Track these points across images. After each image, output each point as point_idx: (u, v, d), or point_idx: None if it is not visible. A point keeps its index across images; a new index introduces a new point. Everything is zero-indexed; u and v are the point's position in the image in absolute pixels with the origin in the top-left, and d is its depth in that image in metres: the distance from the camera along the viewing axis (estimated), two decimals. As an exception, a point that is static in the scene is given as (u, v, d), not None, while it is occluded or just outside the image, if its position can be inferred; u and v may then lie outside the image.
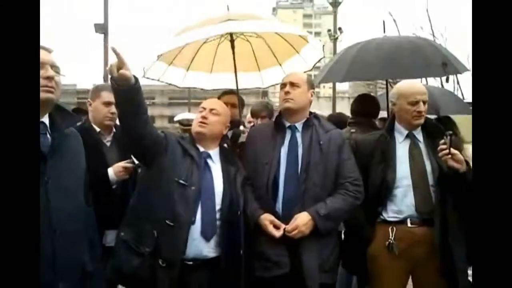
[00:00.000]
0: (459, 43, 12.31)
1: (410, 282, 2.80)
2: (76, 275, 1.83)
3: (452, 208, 2.62)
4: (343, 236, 3.10)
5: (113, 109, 2.84)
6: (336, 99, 19.63)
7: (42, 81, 1.74)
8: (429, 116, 2.95)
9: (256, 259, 2.49)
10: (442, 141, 2.52)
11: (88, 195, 2.00)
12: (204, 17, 3.32)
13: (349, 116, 4.00)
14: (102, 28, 13.19)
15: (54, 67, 1.81)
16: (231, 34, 3.24)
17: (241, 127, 3.11)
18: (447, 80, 7.70)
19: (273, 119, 2.91)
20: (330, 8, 21.24)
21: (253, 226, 2.49)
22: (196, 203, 2.34)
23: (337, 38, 19.98)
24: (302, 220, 2.44)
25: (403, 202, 2.66)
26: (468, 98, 9.61)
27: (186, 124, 5.37)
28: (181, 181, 2.33)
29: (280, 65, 3.52)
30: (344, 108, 10.63)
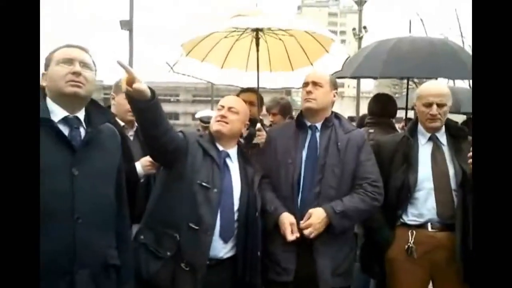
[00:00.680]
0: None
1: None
2: (96, 266, 1.82)
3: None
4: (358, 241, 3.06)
5: None
6: (360, 98, 19.40)
7: (69, 76, 1.80)
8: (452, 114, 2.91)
9: (269, 260, 2.48)
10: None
11: (120, 191, 1.99)
12: (233, 12, 3.32)
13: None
14: (127, 25, 13.40)
15: (84, 63, 1.85)
16: (256, 32, 3.24)
17: (258, 125, 3.08)
18: None
19: (284, 115, 2.87)
20: (356, 7, 21.00)
21: (273, 225, 2.46)
22: (218, 206, 2.31)
23: (361, 37, 19.76)
24: (317, 218, 2.41)
25: (424, 206, 2.61)
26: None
27: (206, 121, 5.44)
28: (203, 184, 2.30)
29: (312, 64, 3.47)
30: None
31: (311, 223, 2.40)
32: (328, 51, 3.37)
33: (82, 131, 1.85)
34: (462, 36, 14.84)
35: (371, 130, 3.58)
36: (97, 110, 1.95)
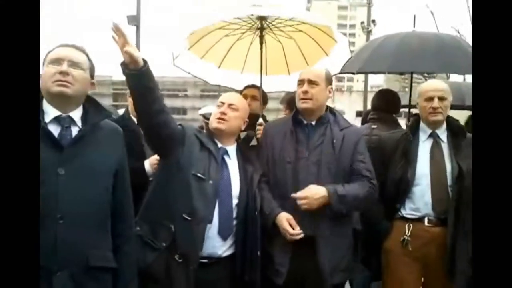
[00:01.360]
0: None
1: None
2: (79, 268, 1.76)
3: (467, 209, 2.55)
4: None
5: None
6: (368, 93, 19.28)
7: (56, 76, 1.78)
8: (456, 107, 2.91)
9: (267, 260, 2.46)
10: None
11: (120, 190, 1.95)
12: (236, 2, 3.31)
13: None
14: (134, 20, 13.42)
15: (73, 62, 1.83)
16: (261, 30, 3.23)
17: (260, 120, 3.09)
18: None
19: (291, 109, 2.85)
20: (365, 0, 20.83)
21: (271, 225, 2.45)
22: (214, 199, 2.30)
23: (370, 30, 19.61)
24: (314, 193, 2.39)
25: (420, 200, 2.68)
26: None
27: (209, 118, 5.46)
28: (198, 175, 2.28)
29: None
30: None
31: (307, 196, 2.40)
32: (328, 55, 3.36)
33: (75, 130, 1.83)
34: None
35: (374, 126, 3.57)
36: (95, 107, 1.92)
